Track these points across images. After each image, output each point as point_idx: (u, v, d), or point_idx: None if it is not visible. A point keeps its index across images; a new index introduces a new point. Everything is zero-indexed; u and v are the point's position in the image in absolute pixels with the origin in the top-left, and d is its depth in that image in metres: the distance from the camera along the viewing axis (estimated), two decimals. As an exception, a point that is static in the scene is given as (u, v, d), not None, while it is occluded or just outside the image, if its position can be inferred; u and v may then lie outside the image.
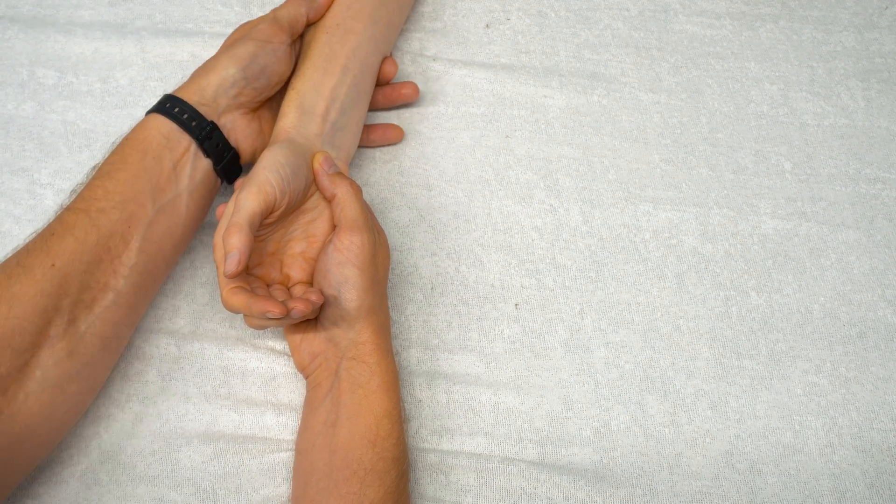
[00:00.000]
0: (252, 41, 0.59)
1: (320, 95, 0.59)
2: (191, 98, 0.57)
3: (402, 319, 0.62)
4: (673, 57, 0.72)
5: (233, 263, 0.50)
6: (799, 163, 0.69)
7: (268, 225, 0.56)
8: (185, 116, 0.56)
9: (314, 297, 0.53)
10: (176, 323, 0.61)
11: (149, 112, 0.57)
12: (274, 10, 0.61)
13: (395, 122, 0.69)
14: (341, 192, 0.56)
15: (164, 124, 0.56)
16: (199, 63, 0.68)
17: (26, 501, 0.55)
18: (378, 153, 0.67)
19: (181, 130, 0.56)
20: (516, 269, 0.64)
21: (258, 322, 0.54)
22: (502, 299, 0.63)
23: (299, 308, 0.52)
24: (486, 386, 0.60)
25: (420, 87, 0.70)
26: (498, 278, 0.64)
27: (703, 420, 0.60)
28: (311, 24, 0.63)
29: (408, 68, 0.71)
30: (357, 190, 0.57)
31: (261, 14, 0.71)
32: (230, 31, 0.70)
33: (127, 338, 0.56)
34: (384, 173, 0.66)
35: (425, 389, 0.60)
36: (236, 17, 0.71)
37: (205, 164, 0.57)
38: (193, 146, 0.56)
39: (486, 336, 0.62)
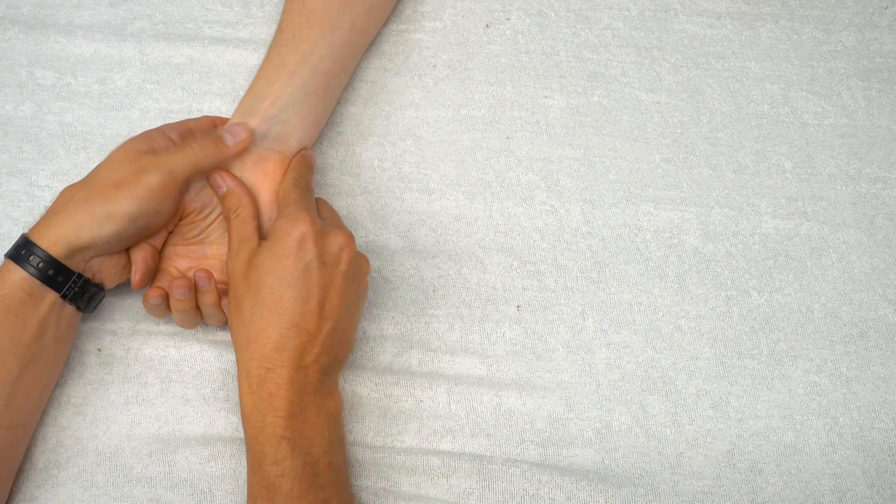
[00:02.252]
0: (137, 200, 0.52)
1: (261, 98, 0.59)
2: (57, 251, 0.51)
3: (403, 321, 0.62)
4: (673, 57, 0.72)
5: (135, 275, 0.55)
6: (799, 162, 0.69)
7: (191, 224, 0.57)
8: (51, 273, 0.51)
9: (200, 273, 0.56)
10: (175, 326, 0.60)
11: (8, 256, 0.52)
12: (172, 158, 0.54)
13: (395, 127, 0.68)
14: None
15: (25, 280, 0.51)
16: (197, 68, 0.68)
17: (24, 504, 0.55)
18: (377, 160, 0.67)
19: (45, 286, 0.52)
20: (518, 270, 0.64)
21: (178, 317, 0.57)
22: (504, 301, 0.63)
23: (178, 284, 0.55)
24: (488, 387, 0.60)
25: (420, 90, 0.70)
26: (500, 280, 0.64)
27: (704, 420, 0.60)
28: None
29: (407, 71, 0.70)
30: (236, 207, 0.56)
31: (261, 14, 0.71)
32: (230, 31, 0.70)
33: (6, 491, 0.54)
34: (384, 180, 0.66)
35: (426, 390, 0.60)
36: (236, 17, 0.71)
37: (70, 309, 0.54)
38: (59, 299, 0.53)
39: (487, 338, 0.62)
